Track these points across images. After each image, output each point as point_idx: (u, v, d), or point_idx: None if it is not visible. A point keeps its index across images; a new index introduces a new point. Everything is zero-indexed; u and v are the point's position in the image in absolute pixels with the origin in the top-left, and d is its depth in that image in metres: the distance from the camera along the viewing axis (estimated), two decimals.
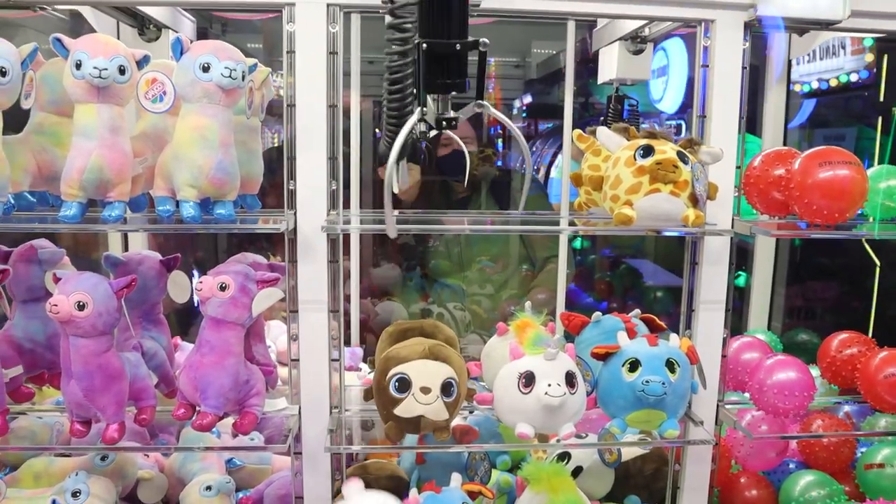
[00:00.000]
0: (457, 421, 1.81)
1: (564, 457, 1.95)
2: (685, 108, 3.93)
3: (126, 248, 2.45)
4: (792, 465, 2.15)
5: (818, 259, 4.24)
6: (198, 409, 1.55)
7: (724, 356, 1.78)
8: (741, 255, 3.44)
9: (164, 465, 2.00)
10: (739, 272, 3.55)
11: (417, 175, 3.67)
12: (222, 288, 1.53)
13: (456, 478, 1.61)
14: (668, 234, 1.72)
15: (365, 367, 2.37)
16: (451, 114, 1.27)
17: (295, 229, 1.60)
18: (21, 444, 1.92)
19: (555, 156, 4.71)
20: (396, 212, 1.64)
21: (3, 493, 1.65)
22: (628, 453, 1.99)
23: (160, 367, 1.76)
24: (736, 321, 2.74)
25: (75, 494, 1.67)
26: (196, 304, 3.46)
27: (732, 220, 1.71)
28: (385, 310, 3.29)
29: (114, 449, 1.67)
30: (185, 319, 2.78)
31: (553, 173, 4.82)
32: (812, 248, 4.16)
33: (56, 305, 1.46)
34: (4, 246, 1.76)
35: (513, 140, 4.76)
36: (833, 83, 3.35)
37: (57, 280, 1.52)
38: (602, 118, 2.72)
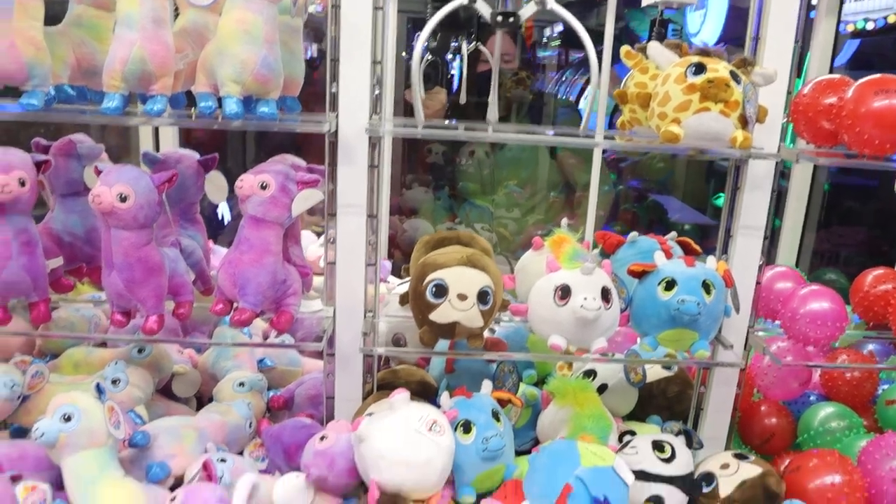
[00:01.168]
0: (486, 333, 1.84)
1: (590, 374, 1.98)
2: (723, 41, 3.83)
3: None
4: (813, 398, 2.16)
5: (849, 203, 4.19)
6: (236, 305, 1.57)
7: (758, 283, 1.77)
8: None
9: (197, 361, 2.05)
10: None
11: (444, 98, 3.65)
12: (263, 187, 1.53)
13: (486, 384, 1.64)
14: (713, 154, 1.69)
15: (393, 279, 2.39)
16: (510, 7, 1.23)
17: (336, 132, 1.59)
18: (60, 330, 1.97)
19: (583, 89, 4.60)
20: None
21: (47, 377, 1.70)
22: (653, 374, 2.01)
23: (197, 264, 1.78)
24: None
25: (115, 382, 1.72)
26: (221, 217, 3.47)
27: (779, 145, 1.67)
28: (412, 227, 3.32)
29: (155, 340, 1.70)
30: (210, 228, 2.80)
31: (581, 104, 4.73)
32: (843, 193, 4.11)
33: (98, 196, 1.47)
34: (44, 140, 1.76)
35: (546, 66, 4.67)
36: (891, 19, 3.22)
37: (98, 172, 1.52)
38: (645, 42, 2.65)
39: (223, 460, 1.53)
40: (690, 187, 4.50)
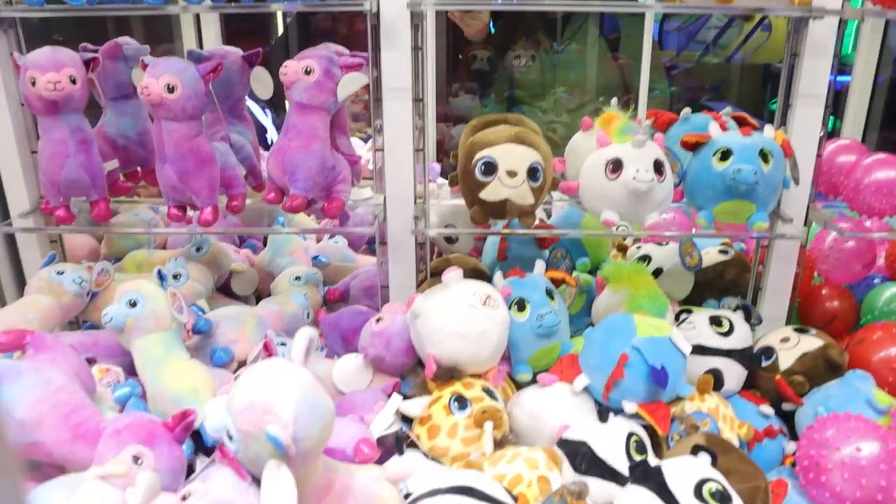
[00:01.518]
0: (541, 215, 1.83)
1: (645, 259, 1.95)
2: None
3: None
4: (877, 280, 2.10)
5: None
6: (287, 192, 1.58)
7: (819, 155, 1.70)
8: (833, 99, 3.26)
9: (254, 261, 2.09)
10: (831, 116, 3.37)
11: (486, 17, 3.55)
12: (307, 72, 1.52)
13: (539, 264, 1.63)
14: (772, 13, 1.60)
15: (442, 180, 2.38)
16: None
17: (378, 14, 1.56)
18: (122, 238, 2.03)
19: None
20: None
21: (112, 275, 1.76)
22: (709, 259, 1.98)
23: (247, 159, 1.80)
24: None
25: (176, 277, 1.77)
26: None
27: (843, 3, 1.58)
28: (459, 133, 3.27)
29: (213, 232, 1.74)
30: None
31: None
32: None
33: (147, 88, 1.48)
34: (91, 45, 1.78)
35: None
36: None
37: (145, 66, 1.53)
38: None
39: (283, 344, 1.57)
40: (746, 91, 4.34)
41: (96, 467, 1.04)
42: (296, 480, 0.90)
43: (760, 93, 4.57)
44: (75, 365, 1.29)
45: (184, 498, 0.91)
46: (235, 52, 1.80)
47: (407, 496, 1.14)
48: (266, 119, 3.14)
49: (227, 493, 0.90)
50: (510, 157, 1.50)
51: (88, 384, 1.31)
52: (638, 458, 1.31)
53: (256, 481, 0.94)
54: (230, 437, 0.92)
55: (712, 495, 1.11)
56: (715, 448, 1.26)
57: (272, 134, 3.10)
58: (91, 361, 1.46)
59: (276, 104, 3.12)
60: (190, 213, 1.68)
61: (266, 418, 0.87)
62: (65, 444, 1.15)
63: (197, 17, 2.84)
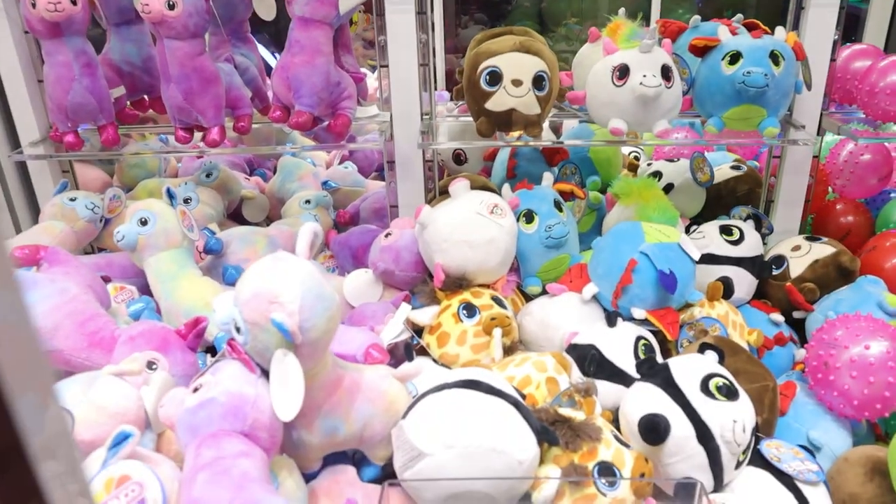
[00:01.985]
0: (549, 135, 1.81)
1: (656, 175, 1.94)
2: None
3: None
4: (893, 195, 2.07)
5: None
6: (293, 109, 1.58)
7: (833, 60, 1.66)
8: (850, 24, 3.16)
9: (264, 187, 2.10)
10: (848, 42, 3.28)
11: None
12: None
13: (548, 176, 1.62)
14: None
15: (452, 105, 2.36)
16: None
17: None
18: (133, 167, 2.04)
19: None
20: None
21: (124, 201, 1.77)
22: (721, 175, 1.96)
23: (252, 80, 1.79)
24: None
25: (186, 201, 1.78)
26: None
27: None
28: None
29: (222, 153, 1.74)
30: None
31: None
32: None
33: (147, 5, 1.46)
34: None
35: None
36: None
37: None
38: None
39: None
40: (766, 17, 4.24)
41: (111, 366, 1.06)
42: (304, 373, 0.92)
43: (781, 21, 4.45)
44: (88, 278, 1.31)
45: (195, 390, 0.93)
46: None
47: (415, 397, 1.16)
48: (274, 61, 3.12)
49: (237, 383, 0.92)
50: (515, 65, 1.48)
51: (103, 297, 1.34)
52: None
53: (265, 374, 0.96)
54: (238, 330, 0.93)
55: (718, 389, 1.12)
56: (723, 348, 1.26)
57: None
58: (105, 280, 1.49)
59: (281, 45, 3.09)
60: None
61: (272, 307, 0.88)
62: (81, 350, 1.17)
63: None
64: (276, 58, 3.05)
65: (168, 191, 1.50)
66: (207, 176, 1.90)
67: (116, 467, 0.81)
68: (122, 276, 1.59)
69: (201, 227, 1.76)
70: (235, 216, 2.02)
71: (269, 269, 0.92)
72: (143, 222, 1.46)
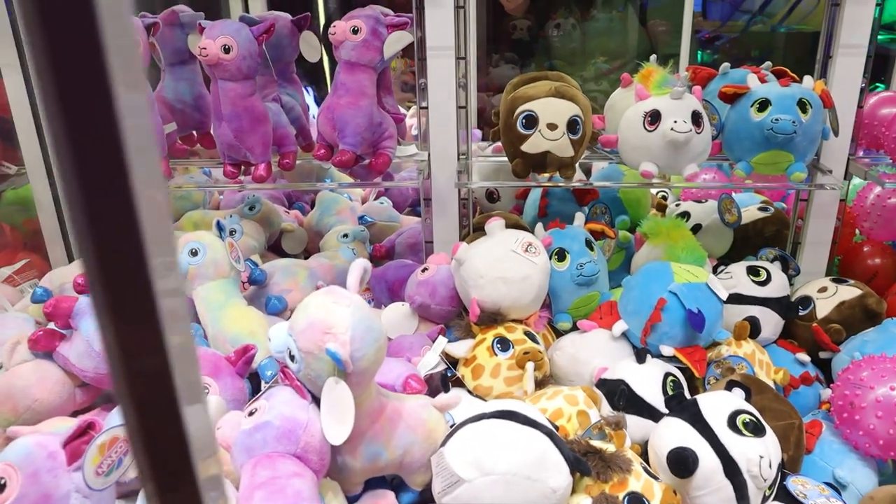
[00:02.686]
0: (581, 176, 1.87)
1: (684, 216, 1.98)
2: None
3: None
4: None
5: None
6: (336, 148, 1.66)
7: (860, 107, 1.71)
8: (879, 64, 3.21)
9: (302, 221, 2.18)
10: (877, 84, 3.32)
11: None
12: (354, 31, 1.59)
13: (579, 216, 1.68)
14: None
15: (484, 143, 2.44)
16: None
17: None
18: (178, 199, 2.13)
19: None
20: None
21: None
22: (748, 216, 2.00)
23: (297, 119, 1.87)
24: None
25: (231, 232, 1.86)
26: None
27: None
28: (499, 102, 3.32)
29: (266, 188, 1.82)
30: None
31: None
32: None
33: (205, 49, 1.56)
34: (149, 14, 1.87)
35: None
36: None
37: (202, 29, 1.61)
38: None
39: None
40: (792, 60, 4.29)
41: None
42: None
43: (809, 62, 4.51)
44: None
45: (250, 413, 0.99)
46: (285, 16, 1.87)
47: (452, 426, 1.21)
48: (308, 97, 3.23)
49: (290, 408, 0.98)
50: (550, 110, 1.54)
51: None
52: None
53: (316, 401, 1.02)
54: (292, 358, 0.99)
55: (745, 426, 1.16)
56: (750, 385, 1.30)
57: (314, 111, 3.20)
58: None
59: (317, 82, 3.21)
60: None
61: (326, 337, 0.94)
62: None
63: None
64: (308, 92, 3.18)
65: (218, 223, 1.58)
66: (251, 209, 1.98)
67: (107, 433, 0.88)
68: None
69: (245, 258, 1.84)
70: (275, 248, 2.10)
71: (322, 302, 0.98)
72: (194, 253, 1.54)
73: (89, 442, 0.90)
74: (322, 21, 3.75)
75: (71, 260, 1.96)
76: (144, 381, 0.37)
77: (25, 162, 1.93)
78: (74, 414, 1.31)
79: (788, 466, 1.25)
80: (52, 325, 1.32)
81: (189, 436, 0.37)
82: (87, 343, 1.22)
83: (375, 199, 2.31)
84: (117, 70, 0.32)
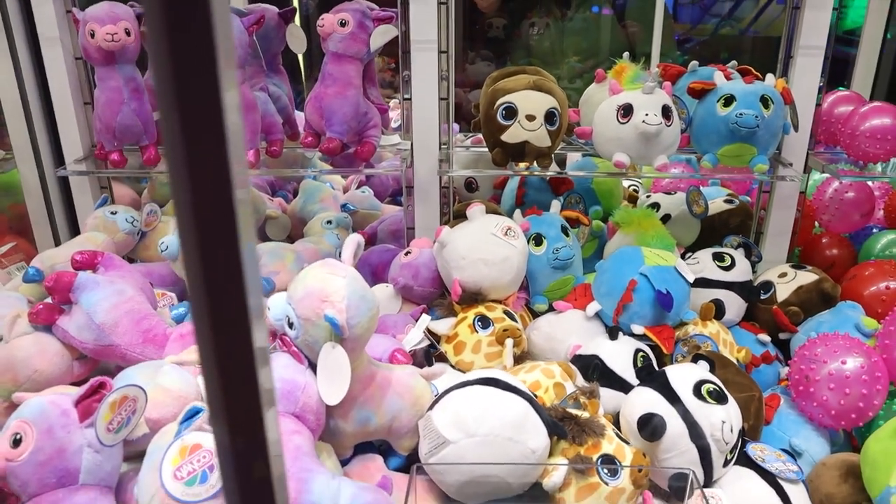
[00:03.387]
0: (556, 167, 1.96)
1: (654, 206, 2.08)
2: None
3: None
4: (875, 230, 2.22)
5: None
6: (323, 136, 1.72)
7: (818, 105, 1.82)
8: (840, 69, 3.35)
9: (286, 208, 2.24)
10: (840, 87, 3.46)
11: None
12: (342, 24, 1.66)
13: (555, 204, 1.76)
14: None
15: (460, 135, 2.52)
16: None
17: None
18: (165, 185, 2.18)
19: None
20: None
21: (160, 216, 1.90)
22: (715, 207, 2.10)
23: (284, 109, 1.93)
24: None
25: None
26: None
27: None
28: (475, 98, 3.39)
29: (255, 174, 1.87)
30: None
31: None
32: None
33: None
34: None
35: None
36: None
37: None
38: None
39: None
40: (759, 63, 4.42)
41: (172, 356, 1.19)
42: None
43: (774, 65, 4.65)
44: (140, 282, 1.44)
45: None
46: (272, 9, 1.93)
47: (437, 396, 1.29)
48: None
49: (289, 371, 1.05)
50: (529, 102, 1.63)
51: (152, 300, 1.47)
52: None
53: (312, 367, 1.09)
54: (290, 325, 1.06)
55: (709, 393, 1.25)
56: (714, 360, 1.39)
57: None
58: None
59: (291, 72, 3.28)
60: None
61: (324, 305, 1.01)
62: (137, 346, 1.30)
63: None
64: None
65: None
66: None
67: (190, 437, 0.93)
68: (161, 284, 1.71)
69: None
70: (259, 234, 2.15)
71: (320, 273, 1.05)
72: None
73: (100, 400, 0.96)
74: (299, 14, 3.81)
75: (57, 243, 2.00)
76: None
77: (13, 147, 1.97)
78: (72, 385, 1.36)
79: (749, 435, 1.34)
80: (48, 301, 1.37)
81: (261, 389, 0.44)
82: (87, 316, 1.28)
83: (357, 188, 2.37)
84: (224, 68, 0.38)
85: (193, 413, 0.98)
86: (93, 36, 1.65)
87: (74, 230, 2.03)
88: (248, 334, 0.43)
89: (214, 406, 0.45)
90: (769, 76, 1.70)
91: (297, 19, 2.04)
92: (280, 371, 1.05)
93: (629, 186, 2.36)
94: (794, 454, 1.38)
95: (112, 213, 1.82)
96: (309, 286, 1.04)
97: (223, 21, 0.36)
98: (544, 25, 3.81)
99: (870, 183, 2.12)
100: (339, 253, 1.96)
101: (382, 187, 2.43)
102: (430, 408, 1.18)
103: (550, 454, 1.17)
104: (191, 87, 0.37)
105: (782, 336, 1.73)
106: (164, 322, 1.37)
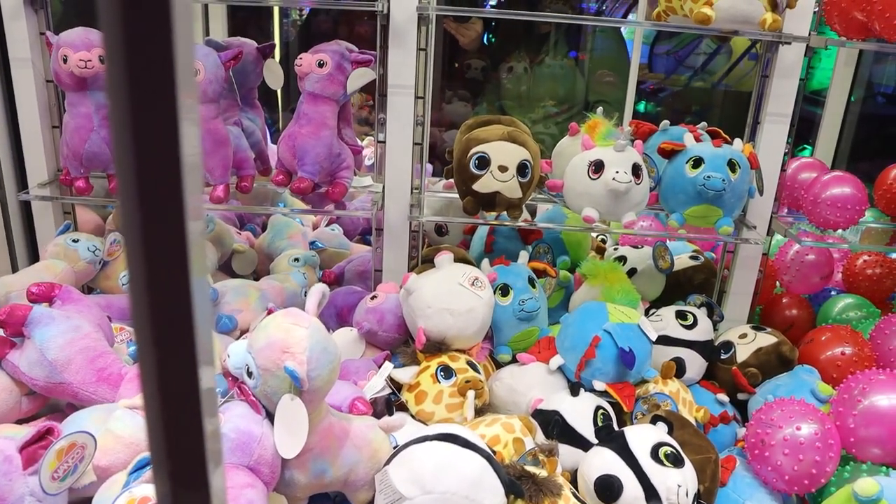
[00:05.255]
0: (527, 216, 1.97)
1: (621, 259, 2.10)
2: None
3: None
4: (833, 293, 2.26)
5: (890, 131, 4.18)
6: (295, 175, 1.72)
7: (783, 170, 1.87)
8: (806, 128, 3.45)
9: (254, 243, 2.22)
10: (805, 146, 3.56)
11: (479, 28, 3.74)
12: (320, 65, 1.66)
13: (523, 255, 1.77)
14: (745, 35, 1.77)
15: (435, 178, 2.53)
16: None
17: (388, 14, 1.70)
18: None
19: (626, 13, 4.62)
20: None
21: (122, 247, 1.87)
22: (680, 263, 2.13)
23: (257, 144, 1.93)
24: None
25: None
26: None
27: (809, 32, 1.75)
28: (451, 137, 3.41)
29: (218, 209, 1.85)
30: None
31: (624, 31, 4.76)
32: (883, 121, 4.10)
33: None
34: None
35: None
36: None
37: None
38: None
39: None
40: (729, 117, 4.54)
41: (126, 399, 1.16)
42: None
43: (743, 119, 4.77)
44: (98, 317, 1.41)
45: None
46: (251, 43, 1.93)
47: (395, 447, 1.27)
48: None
49: (245, 422, 1.03)
50: (502, 153, 1.64)
51: (109, 335, 1.43)
52: None
53: (269, 417, 1.07)
54: (249, 374, 1.04)
55: (666, 456, 1.26)
56: (673, 421, 1.40)
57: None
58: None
59: (269, 104, 3.27)
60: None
61: (284, 356, 1.00)
62: (90, 385, 1.27)
63: (205, 9, 2.97)
64: None
65: None
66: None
67: (139, 489, 0.91)
68: (120, 318, 1.68)
69: None
70: (225, 269, 2.13)
71: (282, 323, 1.04)
72: None
73: (46, 447, 0.93)
74: (278, 49, 3.83)
75: (15, 269, 1.95)
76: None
77: None
78: (19, 422, 1.32)
79: (704, 497, 1.35)
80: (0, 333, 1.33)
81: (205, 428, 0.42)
82: (39, 352, 1.24)
83: (327, 225, 2.36)
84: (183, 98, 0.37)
85: (144, 464, 0.95)
86: (65, 61, 1.64)
87: (34, 256, 1.98)
88: (195, 374, 0.41)
89: (156, 454, 0.43)
90: (737, 140, 1.74)
91: (276, 52, 2.05)
92: (236, 421, 1.03)
93: (597, 237, 2.38)
94: None
95: (74, 240, 1.79)
96: (271, 336, 1.03)
97: (185, 50, 0.36)
98: (521, 69, 3.86)
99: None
100: (305, 292, 1.96)
101: (353, 225, 2.42)
102: (388, 462, 1.16)
103: None
104: (147, 116, 0.36)
105: (741, 396, 1.75)
106: (120, 360, 1.34)
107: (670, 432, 1.35)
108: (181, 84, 0.36)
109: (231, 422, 1.02)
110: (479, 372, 1.56)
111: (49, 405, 1.39)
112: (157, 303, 0.39)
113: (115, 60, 0.35)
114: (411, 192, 1.82)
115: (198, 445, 0.42)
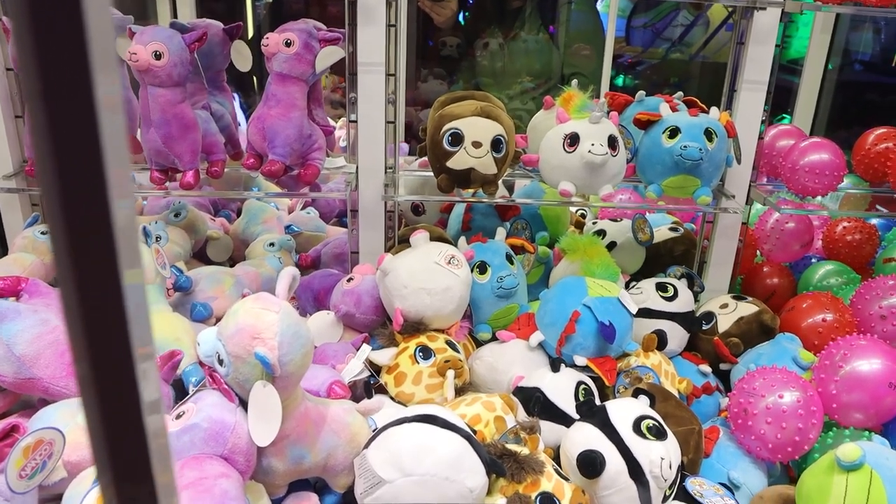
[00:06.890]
0: (504, 192, 1.95)
1: (600, 233, 2.09)
2: None
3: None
4: (814, 260, 2.26)
5: (868, 98, 4.18)
6: (266, 158, 1.68)
7: (761, 138, 1.85)
8: (784, 97, 3.44)
9: (228, 228, 2.18)
10: (784, 115, 3.55)
11: (454, 5, 3.69)
12: (287, 44, 1.62)
13: (500, 231, 1.75)
14: (721, 1, 1.75)
15: (412, 157, 2.50)
16: None
17: None
18: None
19: None
20: None
21: None
22: (660, 235, 2.12)
23: (226, 128, 1.88)
24: None
25: (157, 239, 1.85)
26: None
27: None
28: (427, 116, 3.39)
29: (192, 195, 1.82)
30: None
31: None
32: (860, 88, 4.10)
33: (135, 54, 1.56)
34: None
35: None
36: None
37: (132, 34, 1.61)
38: None
39: None
40: (707, 88, 4.53)
41: None
42: None
43: (721, 90, 4.76)
44: None
45: (178, 416, 1.01)
46: (217, 24, 1.88)
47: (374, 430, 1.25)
48: (234, 103, 3.24)
49: (218, 411, 1.01)
50: (476, 129, 1.61)
51: None
52: None
53: (243, 405, 1.05)
54: (220, 362, 1.02)
55: (649, 430, 1.25)
56: (655, 393, 1.39)
57: (240, 117, 3.20)
58: None
59: (244, 89, 3.21)
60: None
61: (255, 342, 0.98)
62: (60, 379, 1.23)
63: None
64: (235, 98, 3.19)
65: (144, 229, 1.58)
66: (176, 215, 1.98)
67: None
68: None
69: (170, 265, 1.84)
70: (200, 255, 2.09)
71: (252, 308, 1.02)
72: None
73: (13, 445, 0.91)
74: (251, 30, 3.76)
75: None
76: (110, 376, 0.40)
77: None
78: None
79: (688, 468, 1.34)
80: None
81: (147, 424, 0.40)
82: (7, 347, 1.21)
83: (302, 209, 2.33)
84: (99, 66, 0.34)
85: None
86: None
87: (2, 250, 1.94)
88: (133, 379, 0.39)
89: (98, 456, 0.41)
90: (713, 109, 1.72)
91: (249, 33, 2.01)
92: (209, 410, 1.01)
93: (576, 211, 2.36)
94: (732, 487, 1.38)
95: (42, 233, 1.75)
96: (240, 322, 1.00)
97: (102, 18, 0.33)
98: (496, 46, 3.82)
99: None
100: None
101: (328, 208, 2.39)
102: (367, 445, 1.14)
103: (489, 493, 1.15)
104: (58, 84, 0.34)
105: (723, 367, 1.74)
106: None
107: (652, 405, 1.35)
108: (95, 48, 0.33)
109: (203, 411, 1.00)
110: (458, 351, 1.55)
111: (21, 401, 1.36)
112: (84, 293, 0.37)
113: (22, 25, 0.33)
114: (385, 172, 1.79)
115: (140, 445, 0.40)
